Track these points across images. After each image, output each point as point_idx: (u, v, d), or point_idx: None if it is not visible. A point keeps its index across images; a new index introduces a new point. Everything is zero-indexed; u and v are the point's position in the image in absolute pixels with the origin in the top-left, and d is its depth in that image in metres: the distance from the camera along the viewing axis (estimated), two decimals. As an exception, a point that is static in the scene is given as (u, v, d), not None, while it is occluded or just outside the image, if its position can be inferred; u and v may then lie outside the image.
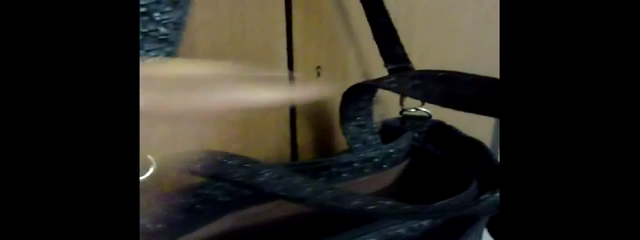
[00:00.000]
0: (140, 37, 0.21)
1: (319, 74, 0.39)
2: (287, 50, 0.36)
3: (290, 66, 0.37)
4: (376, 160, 0.33)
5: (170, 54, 0.22)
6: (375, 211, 0.26)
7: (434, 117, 0.40)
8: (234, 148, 0.35)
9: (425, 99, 0.30)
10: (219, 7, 0.32)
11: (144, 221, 0.27)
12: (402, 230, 0.30)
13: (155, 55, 0.22)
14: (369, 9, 0.37)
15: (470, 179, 0.32)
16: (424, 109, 0.39)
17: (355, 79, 0.41)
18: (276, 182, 0.26)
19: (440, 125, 0.39)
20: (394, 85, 0.30)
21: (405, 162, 0.36)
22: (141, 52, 0.22)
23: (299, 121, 0.39)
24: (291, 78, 0.38)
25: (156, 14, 0.21)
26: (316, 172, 0.32)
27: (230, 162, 0.26)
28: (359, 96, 0.34)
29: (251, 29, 0.34)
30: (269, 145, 0.38)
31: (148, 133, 0.17)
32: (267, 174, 0.26)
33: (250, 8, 0.34)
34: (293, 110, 0.38)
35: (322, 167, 0.32)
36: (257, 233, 0.32)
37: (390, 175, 0.35)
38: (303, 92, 0.18)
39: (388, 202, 0.26)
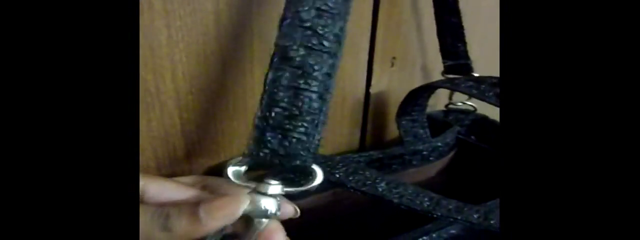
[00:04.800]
0: (305, 52, 0.22)
1: (392, 64, 0.43)
2: (369, 42, 0.40)
3: (371, 56, 0.41)
4: (424, 153, 0.38)
5: (333, 66, 0.23)
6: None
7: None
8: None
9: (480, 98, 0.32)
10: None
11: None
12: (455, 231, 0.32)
13: (320, 69, 0.22)
14: (439, 8, 0.39)
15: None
16: (470, 103, 0.42)
17: (418, 69, 0.45)
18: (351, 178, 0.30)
19: (484, 119, 0.42)
20: (461, 87, 0.33)
21: (451, 154, 0.41)
22: (307, 67, 0.22)
23: (371, 109, 0.43)
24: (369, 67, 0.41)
25: (319, 28, 0.22)
26: (370, 164, 0.36)
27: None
28: (420, 95, 0.38)
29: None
30: (343, 131, 0.42)
31: None
32: (342, 169, 0.30)
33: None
34: (367, 98, 0.43)
35: (375, 159, 0.36)
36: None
37: (436, 166, 0.40)
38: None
39: (452, 205, 0.29)
